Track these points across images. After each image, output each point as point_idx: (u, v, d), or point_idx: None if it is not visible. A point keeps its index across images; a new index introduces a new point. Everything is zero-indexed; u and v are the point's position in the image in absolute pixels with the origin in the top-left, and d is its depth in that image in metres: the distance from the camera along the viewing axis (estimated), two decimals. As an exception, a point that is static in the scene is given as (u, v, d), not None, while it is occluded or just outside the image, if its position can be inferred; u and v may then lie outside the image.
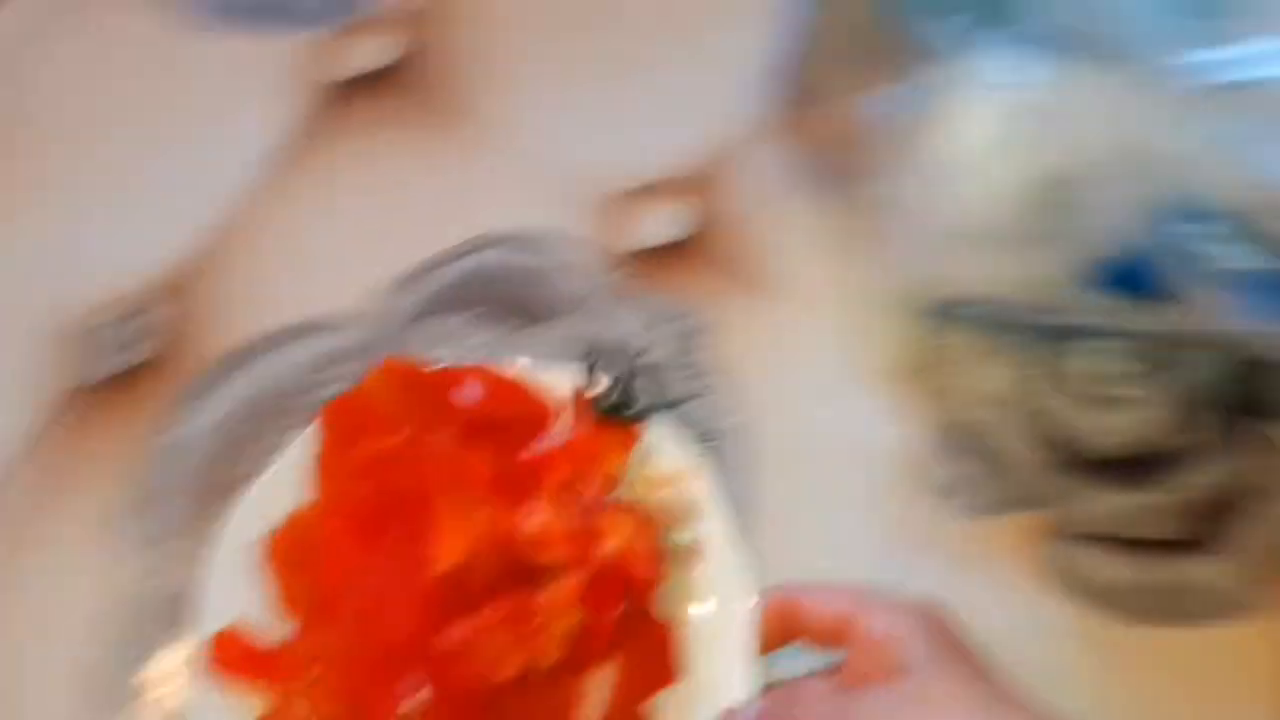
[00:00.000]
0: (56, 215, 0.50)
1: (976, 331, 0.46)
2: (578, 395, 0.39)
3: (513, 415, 0.40)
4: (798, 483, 0.44)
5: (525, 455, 0.38)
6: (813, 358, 0.46)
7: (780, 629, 0.36)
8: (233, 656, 0.37)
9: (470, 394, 0.39)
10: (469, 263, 0.49)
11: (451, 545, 0.35)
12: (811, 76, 0.43)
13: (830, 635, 0.35)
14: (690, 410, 0.41)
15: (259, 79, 0.52)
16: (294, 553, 0.38)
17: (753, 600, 0.37)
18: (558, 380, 0.40)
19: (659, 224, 0.49)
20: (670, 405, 0.42)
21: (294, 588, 0.37)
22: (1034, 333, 0.45)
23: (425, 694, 0.34)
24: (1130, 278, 0.38)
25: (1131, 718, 0.41)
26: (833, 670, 0.35)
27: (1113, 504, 0.44)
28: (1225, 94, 0.35)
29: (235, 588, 0.38)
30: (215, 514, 0.40)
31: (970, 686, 0.32)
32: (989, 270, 0.40)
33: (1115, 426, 0.44)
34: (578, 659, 0.36)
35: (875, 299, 0.45)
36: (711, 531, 0.38)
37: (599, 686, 0.36)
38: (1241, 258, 0.36)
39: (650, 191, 0.49)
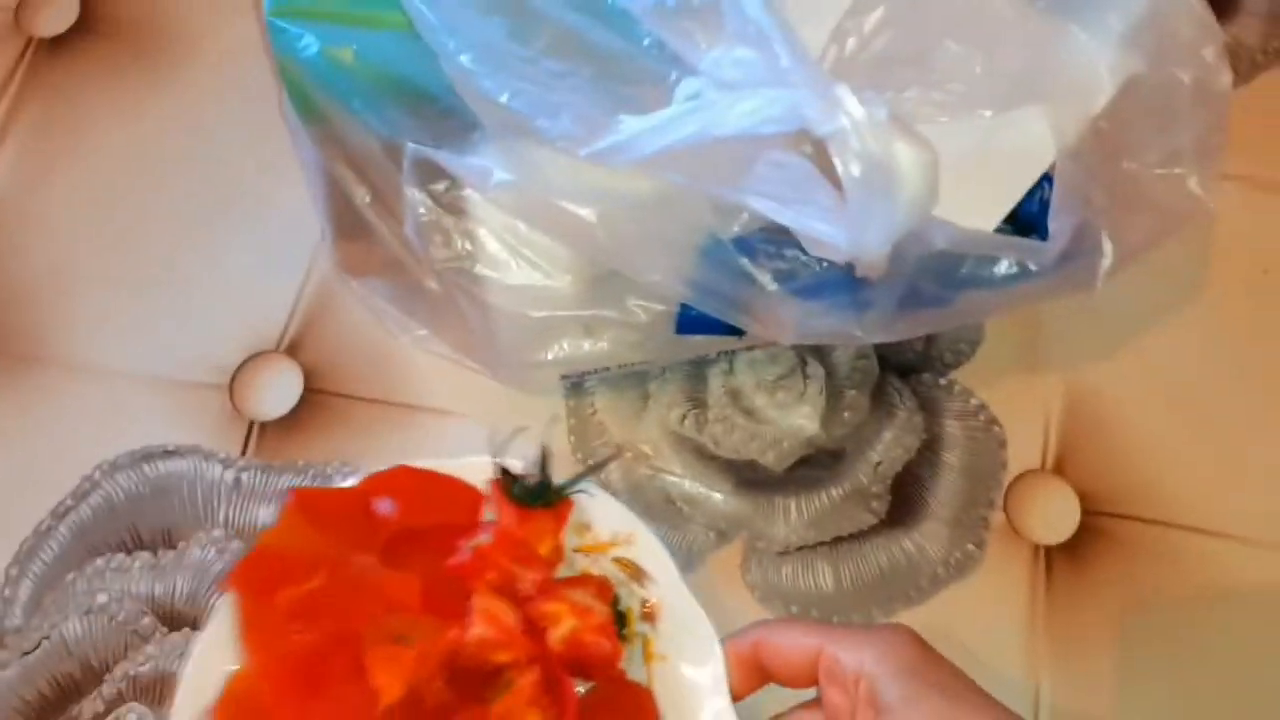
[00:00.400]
0: None
1: (608, 392, 0.46)
2: (495, 486, 0.37)
3: (435, 520, 0.38)
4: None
5: (454, 560, 0.36)
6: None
7: (749, 674, 0.35)
8: None
9: (387, 506, 0.37)
10: (95, 498, 0.45)
11: (388, 684, 0.33)
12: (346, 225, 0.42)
13: (800, 676, 0.34)
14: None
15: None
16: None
17: (718, 648, 0.36)
18: (470, 473, 0.38)
19: (273, 394, 0.46)
20: (593, 471, 0.40)
21: None
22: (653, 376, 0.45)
23: None
24: (699, 320, 0.39)
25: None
26: (812, 705, 0.35)
27: (801, 513, 0.44)
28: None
29: None
30: None
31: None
32: (585, 348, 0.40)
33: (779, 435, 0.45)
34: None
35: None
36: (661, 588, 0.38)
37: None
38: (793, 268, 0.37)
39: (253, 364, 0.46)
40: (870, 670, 0.32)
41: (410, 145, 0.38)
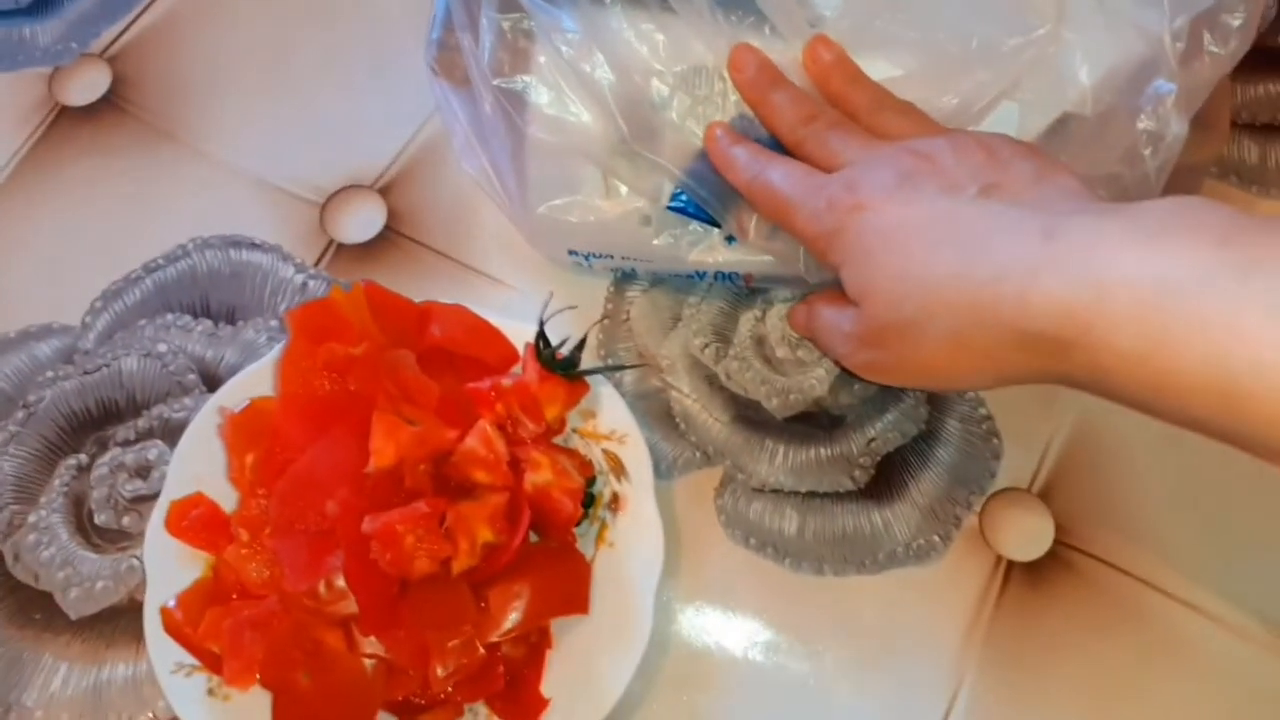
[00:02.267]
0: None
1: (653, 289, 0.49)
2: (531, 346, 0.42)
3: (476, 354, 0.43)
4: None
5: (474, 386, 0.41)
6: (512, 332, 0.48)
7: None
8: (188, 520, 0.41)
9: (440, 327, 0.43)
10: (182, 264, 0.51)
11: (381, 449, 0.38)
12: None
13: None
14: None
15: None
16: (249, 429, 0.41)
17: (659, 557, 0.41)
18: (514, 334, 0.44)
19: (356, 222, 0.51)
20: (615, 369, 0.46)
21: (244, 461, 0.41)
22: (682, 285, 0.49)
23: (343, 570, 0.37)
24: (692, 201, 0.43)
25: (816, 661, 0.42)
26: None
27: (785, 459, 0.46)
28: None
29: (202, 458, 0.42)
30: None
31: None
32: (595, 211, 0.44)
33: (789, 388, 0.47)
34: (489, 571, 0.39)
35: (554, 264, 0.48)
36: (634, 491, 0.42)
37: (512, 602, 0.39)
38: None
39: (347, 193, 0.52)
40: None
41: None
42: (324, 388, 0.40)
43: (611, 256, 0.47)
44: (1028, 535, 0.45)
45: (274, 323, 0.49)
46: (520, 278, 0.50)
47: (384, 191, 0.52)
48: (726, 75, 0.43)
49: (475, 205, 0.51)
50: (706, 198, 0.42)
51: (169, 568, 0.42)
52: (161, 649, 0.40)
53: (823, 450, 0.47)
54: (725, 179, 0.42)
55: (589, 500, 0.43)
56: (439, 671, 0.38)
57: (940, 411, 0.47)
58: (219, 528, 0.42)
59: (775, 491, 0.46)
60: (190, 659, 0.40)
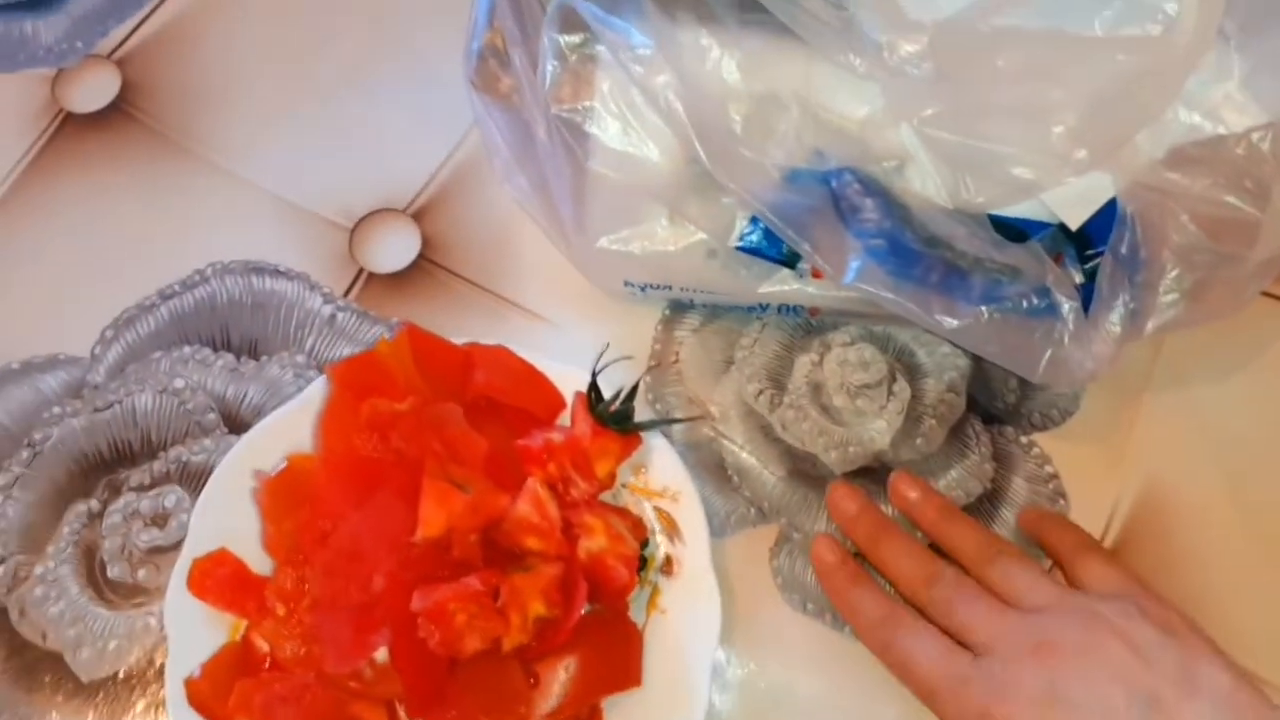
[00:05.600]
0: None
1: (704, 328, 0.47)
2: (582, 398, 0.39)
3: (522, 403, 0.41)
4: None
5: (523, 443, 0.39)
6: (551, 374, 0.45)
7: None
8: (212, 580, 0.39)
9: (484, 374, 0.40)
10: (200, 292, 0.47)
11: (432, 519, 0.36)
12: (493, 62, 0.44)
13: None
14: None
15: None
16: (287, 494, 0.39)
17: (717, 623, 0.39)
18: (569, 380, 0.41)
19: (388, 249, 0.48)
20: (672, 422, 0.43)
21: (281, 528, 0.38)
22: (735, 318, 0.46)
23: (386, 650, 0.35)
24: (765, 240, 0.40)
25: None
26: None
27: (844, 515, 0.44)
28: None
29: (227, 511, 0.40)
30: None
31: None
32: (658, 244, 0.41)
33: (847, 439, 0.45)
34: (541, 647, 0.37)
35: (602, 299, 0.45)
36: (690, 554, 0.40)
37: (560, 676, 0.37)
38: (872, 218, 0.38)
39: (378, 217, 0.48)
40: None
41: None
42: (367, 447, 0.38)
43: (670, 287, 0.45)
44: (1095, 602, 0.44)
45: (300, 358, 0.46)
46: (562, 312, 0.47)
47: (418, 216, 0.49)
48: (803, 101, 0.40)
49: (515, 230, 0.48)
50: (785, 233, 0.39)
51: (192, 630, 0.39)
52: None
53: (885, 508, 0.44)
54: (807, 215, 0.39)
55: (641, 564, 0.40)
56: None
57: (1006, 470, 0.45)
58: (247, 588, 0.39)
59: (834, 552, 0.44)
60: None
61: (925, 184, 0.40)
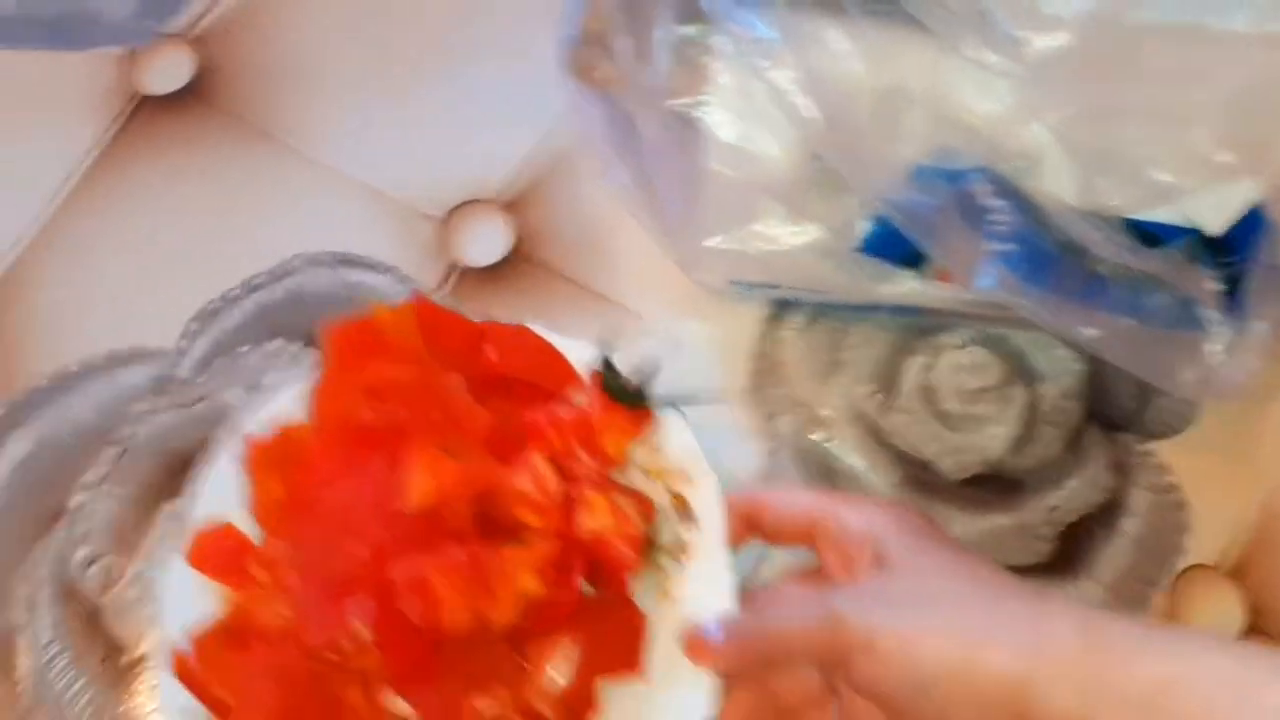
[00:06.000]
0: None
1: (809, 327, 0.45)
2: (594, 373, 0.37)
3: (532, 377, 0.38)
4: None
5: (529, 416, 0.37)
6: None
7: (741, 525, 0.36)
8: (209, 552, 0.37)
9: (497, 350, 0.38)
10: (288, 284, 0.45)
11: (421, 487, 0.34)
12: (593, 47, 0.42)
13: (797, 534, 0.34)
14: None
15: (58, 99, 0.48)
16: (274, 461, 0.37)
17: (730, 609, 0.36)
18: (583, 355, 0.38)
19: (481, 242, 0.46)
20: (687, 403, 0.40)
21: (269, 494, 0.36)
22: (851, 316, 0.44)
23: (368, 621, 0.33)
24: (887, 242, 0.38)
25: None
26: (805, 571, 0.35)
27: (963, 528, 0.42)
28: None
29: (231, 487, 0.37)
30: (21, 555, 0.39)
31: (964, 581, 0.31)
32: (772, 242, 0.39)
33: (962, 446, 0.43)
34: (535, 628, 0.35)
35: (703, 295, 0.44)
36: (704, 539, 0.37)
37: (559, 662, 0.34)
38: (1005, 221, 0.37)
39: (470, 208, 0.46)
40: (879, 531, 0.32)
41: None
42: (364, 415, 0.36)
43: (779, 286, 0.43)
44: (1220, 615, 0.42)
45: (392, 355, 0.44)
46: (661, 310, 0.45)
47: (510, 207, 0.47)
48: (931, 96, 0.38)
49: (612, 224, 0.46)
50: (913, 233, 0.38)
51: (185, 601, 0.36)
52: (172, 693, 0.36)
53: (1001, 519, 0.43)
54: (936, 215, 0.38)
55: (650, 548, 0.38)
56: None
57: (1125, 479, 0.44)
58: (238, 565, 0.37)
59: (951, 564, 0.43)
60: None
61: (1058, 185, 0.38)
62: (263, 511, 0.37)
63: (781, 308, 0.46)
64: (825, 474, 0.43)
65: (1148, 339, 0.38)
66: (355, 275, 0.45)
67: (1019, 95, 0.38)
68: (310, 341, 0.45)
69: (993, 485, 0.43)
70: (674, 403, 0.39)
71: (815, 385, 0.44)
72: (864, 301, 0.43)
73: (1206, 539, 0.43)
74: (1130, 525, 0.43)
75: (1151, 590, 0.42)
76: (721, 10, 0.37)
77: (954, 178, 0.39)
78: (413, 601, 0.33)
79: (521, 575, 0.34)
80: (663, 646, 0.36)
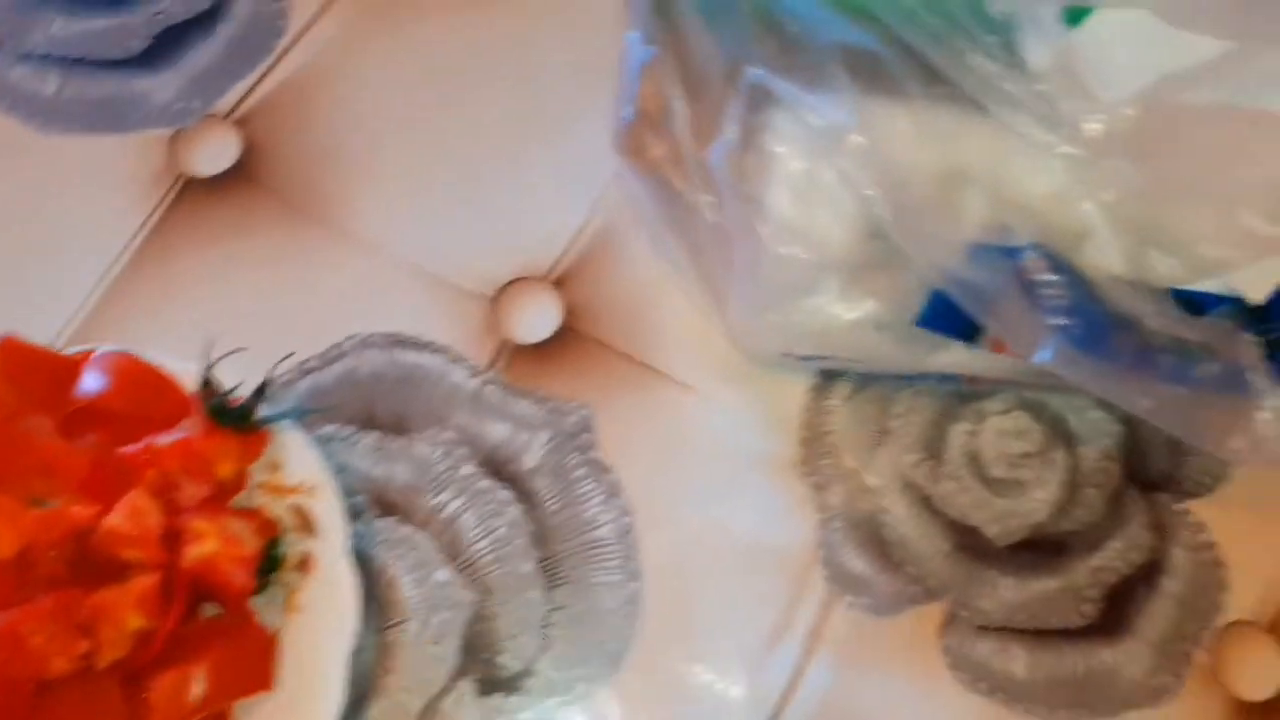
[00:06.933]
0: None
1: (855, 396, 0.46)
2: (196, 396, 0.38)
3: (145, 411, 0.39)
4: (684, 586, 0.43)
5: (127, 450, 0.37)
6: (702, 447, 0.45)
7: None
8: None
9: (92, 383, 0.38)
10: (341, 366, 0.46)
11: (1, 536, 0.34)
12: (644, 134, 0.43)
13: None
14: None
15: (103, 181, 0.48)
16: None
17: (352, 621, 0.38)
18: (192, 378, 0.39)
19: (531, 320, 0.46)
20: (301, 416, 0.41)
21: None
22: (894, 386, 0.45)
23: None
24: (944, 316, 0.39)
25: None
26: None
27: (1012, 593, 0.43)
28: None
29: None
30: None
31: None
32: (829, 317, 0.40)
33: (1009, 511, 0.45)
34: (158, 660, 0.35)
35: (750, 366, 0.45)
36: (325, 548, 0.39)
37: (186, 688, 0.35)
38: (1061, 295, 0.38)
39: (520, 286, 0.47)
40: None
41: (751, 69, 0.38)
42: None
43: (829, 358, 0.44)
44: (1262, 671, 0.43)
45: (448, 434, 0.44)
46: (709, 380, 0.46)
47: (559, 283, 0.47)
48: (989, 176, 0.39)
49: (658, 297, 0.47)
50: (973, 309, 0.39)
51: None
52: None
53: (1049, 582, 0.44)
54: (993, 290, 0.38)
55: (273, 564, 0.39)
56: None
57: (1164, 538, 0.45)
58: None
59: (1000, 629, 0.43)
60: None
61: (1108, 259, 0.40)
62: None
63: (828, 378, 0.47)
64: (877, 544, 0.44)
65: (1199, 405, 0.39)
66: (409, 356, 0.46)
67: (1073, 174, 0.39)
68: (365, 424, 0.45)
69: (1038, 549, 0.44)
70: (289, 416, 0.40)
71: (863, 454, 0.46)
72: (915, 371, 0.44)
73: (1245, 594, 0.45)
74: (1171, 584, 0.44)
75: (1194, 649, 0.44)
76: (789, 94, 0.38)
77: (1010, 253, 0.40)
78: (3, 657, 0.33)
79: (124, 612, 0.35)
80: (294, 657, 0.38)
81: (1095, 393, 0.40)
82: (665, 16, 0.40)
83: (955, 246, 0.39)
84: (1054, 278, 0.40)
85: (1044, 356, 0.39)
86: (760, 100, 0.38)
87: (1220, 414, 0.40)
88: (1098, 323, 0.40)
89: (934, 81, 0.39)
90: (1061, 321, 0.39)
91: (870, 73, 0.38)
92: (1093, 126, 0.38)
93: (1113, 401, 0.40)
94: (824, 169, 0.38)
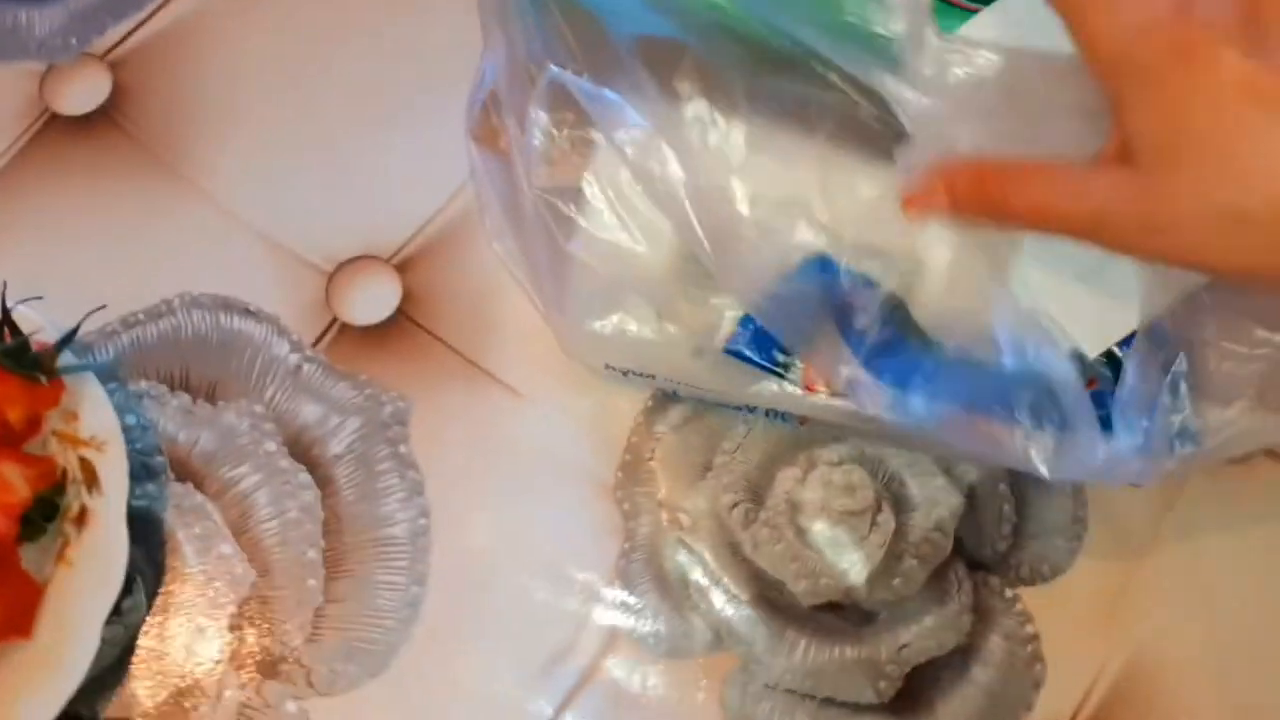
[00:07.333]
0: None
1: (686, 424, 0.44)
2: None
3: None
4: (471, 598, 0.41)
5: None
6: (518, 456, 0.43)
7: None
8: None
9: None
10: (166, 323, 0.45)
11: None
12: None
13: None
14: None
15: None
16: None
17: (114, 588, 0.38)
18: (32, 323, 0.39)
19: (366, 300, 0.45)
20: (103, 370, 0.41)
21: None
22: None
23: None
24: (753, 344, 0.37)
25: None
26: None
27: (807, 656, 0.41)
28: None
29: None
30: None
31: None
32: (637, 335, 0.38)
33: (820, 570, 0.42)
34: None
35: (589, 378, 0.43)
36: (104, 506, 0.39)
37: None
38: (873, 325, 0.35)
39: (360, 264, 0.46)
40: None
41: (551, 67, 0.36)
42: None
43: (654, 376, 0.42)
44: (1059, 780, 0.41)
45: (258, 408, 0.43)
46: (541, 389, 0.44)
47: (402, 267, 0.46)
48: (815, 190, 0.36)
49: (501, 293, 0.45)
50: (780, 334, 0.37)
51: None
52: None
53: (848, 650, 0.42)
54: (805, 319, 0.36)
55: (52, 511, 0.39)
56: None
57: (984, 624, 0.42)
58: None
59: (788, 692, 0.41)
60: None
61: (934, 292, 0.37)
62: None
63: (662, 401, 0.45)
64: (675, 583, 0.42)
65: (1005, 438, 0.37)
66: (234, 321, 0.45)
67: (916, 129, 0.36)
68: (180, 385, 0.44)
69: (844, 614, 0.42)
70: (89, 369, 0.40)
71: (680, 488, 0.43)
72: (737, 402, 0.42)
73: (1060, 695, 0.42)
74: (982, 674, 0.42)
75: (995, 744, 0.41)
76: (591, 97, 0.35)
77: (830, 279, 0.37)
78: None
79: None
80: (55, 608, 0.38)
81: (897, 425, 0.37)
82: (503, 5, 0.39)
83: (768, 272, 0.36)
84: (869, 307, 0.37)
85: (846, 389, 0.37)
86: (561, 100, 0.36)
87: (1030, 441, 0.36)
88: (910, 354, 0.38)
89: (761, 72, 0.36)
90: (872, 356, 0.37)
91: (675, 66, 0.35)
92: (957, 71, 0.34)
93: (910, 443, 0.38)
94: (633, 182, 0.36)
